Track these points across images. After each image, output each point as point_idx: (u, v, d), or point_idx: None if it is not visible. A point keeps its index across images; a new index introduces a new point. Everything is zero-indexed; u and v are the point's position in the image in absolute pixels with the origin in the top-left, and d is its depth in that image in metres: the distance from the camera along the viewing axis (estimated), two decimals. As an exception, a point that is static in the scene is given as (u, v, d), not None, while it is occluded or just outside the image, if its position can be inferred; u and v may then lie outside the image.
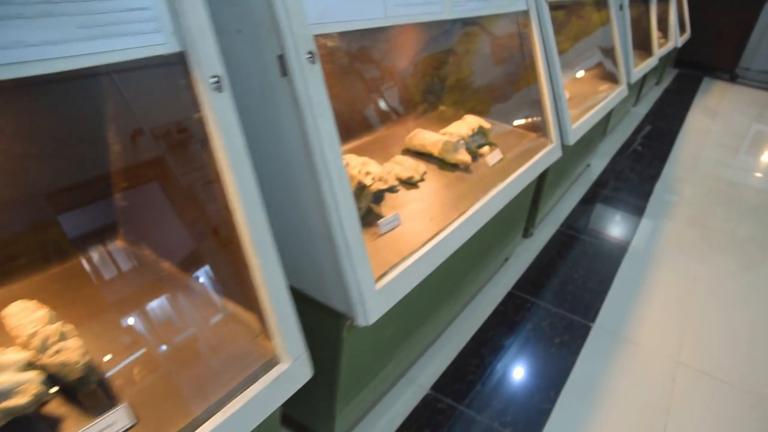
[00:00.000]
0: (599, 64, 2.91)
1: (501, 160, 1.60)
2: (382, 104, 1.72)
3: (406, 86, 1.84)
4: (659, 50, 4.02)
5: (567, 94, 2.47)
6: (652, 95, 4.90)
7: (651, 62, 3.73)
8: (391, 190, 1.24)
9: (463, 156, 1.49)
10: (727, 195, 2.91)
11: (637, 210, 2.57)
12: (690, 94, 5.17)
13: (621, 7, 3.05)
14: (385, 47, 1.68)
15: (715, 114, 4.64)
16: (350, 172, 1.14)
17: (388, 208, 1.25)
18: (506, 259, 1.98)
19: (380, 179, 1.24)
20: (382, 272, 1.02)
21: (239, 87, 0.94)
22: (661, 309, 1.84)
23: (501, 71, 1.94)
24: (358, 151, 1.55)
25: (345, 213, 0.90)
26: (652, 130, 3.89)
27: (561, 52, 2.79)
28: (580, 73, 2.82)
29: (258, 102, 0.91)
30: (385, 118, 1.72)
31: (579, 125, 2.01)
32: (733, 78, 6.02)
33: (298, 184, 0.92)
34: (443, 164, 1.50)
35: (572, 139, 1.91)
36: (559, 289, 1.88)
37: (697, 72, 6.12)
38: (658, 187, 2.87)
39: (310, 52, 0.85)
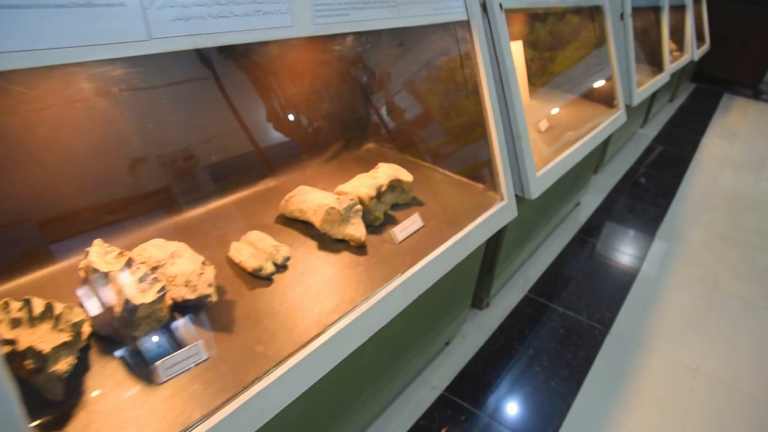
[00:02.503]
0: (596, 85, 2.45)
1: (420, 229, 1.16)
2: (269, 141, 1.29)
3: (313, 116, 1.41)
4: (672, 65, 3.52)
5: (545, 125, 2.01)
6: (663, 114, 4.38)
7: (661, 79, 3.24)
8: (201, 302, 0.81)
9: (354, 230, 1.05)
10: (745, 245, 2.41)
11: (631, 266, 2.10)
12: (707, 113, 4.64)
13: (622, 16, 2.58)
14: (280, 57, 1.25)
15: (735, 136, 4.10)
16: (115, 282, 0.72)
17: (201, 327, 0.82)
18: (447, 343, 1.53)
19: (187, 284, 0.81)
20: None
21: None
22: (646, 428, 1.37)
23: (447, 100, 1.50)
24: (213, 219, 1.12)
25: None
26: (661, 157, 3.39)
27: (547, 72, 2.34)
28: (571, 97, 2.35)
29: None
30: (271, 162, 1.29)
31: (548, 171, 1.55)
32: (756, 94, 5.45)
33: None
34: (328, 240, 1.07)
35: (535, 192, 1.46)
36: (510, 391, 1.42)
37: (716, 87, 5.56)
38: (660, 234, 2.38)
39: None
